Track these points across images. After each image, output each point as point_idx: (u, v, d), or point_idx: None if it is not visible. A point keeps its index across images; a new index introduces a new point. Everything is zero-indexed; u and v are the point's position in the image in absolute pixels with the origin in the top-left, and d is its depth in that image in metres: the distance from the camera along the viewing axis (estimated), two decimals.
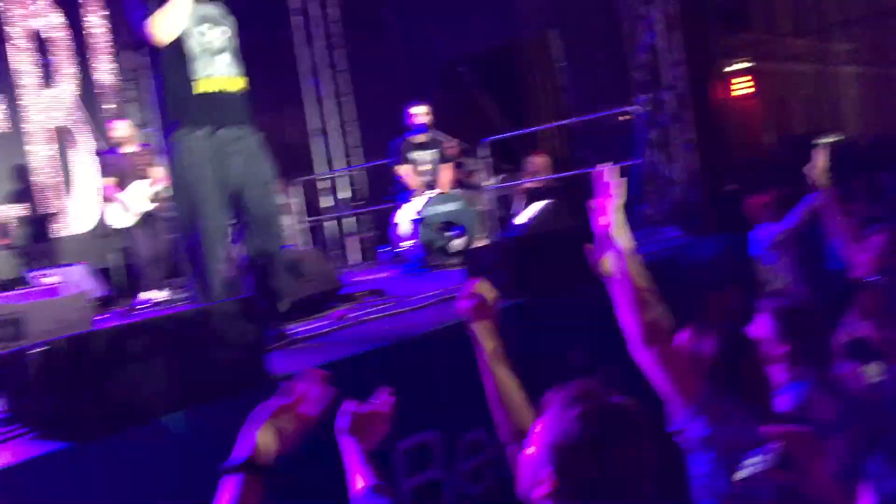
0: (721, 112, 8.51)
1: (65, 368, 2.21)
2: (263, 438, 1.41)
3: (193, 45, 3.30)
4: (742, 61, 14.11)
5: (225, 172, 3.33)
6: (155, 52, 3.28)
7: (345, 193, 9.86)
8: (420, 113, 6.95)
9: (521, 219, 6.63)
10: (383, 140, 7.41)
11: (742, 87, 13.68)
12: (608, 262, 2.00)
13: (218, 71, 3.36)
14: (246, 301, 2.74)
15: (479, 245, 5.93)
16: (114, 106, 8.52)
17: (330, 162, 9.79)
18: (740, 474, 1.57)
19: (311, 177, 9.60)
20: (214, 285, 3.26)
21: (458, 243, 6.33)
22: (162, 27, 3.19)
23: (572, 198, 7.97)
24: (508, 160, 8.34)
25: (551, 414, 1.40)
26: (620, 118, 8.04)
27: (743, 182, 6.37)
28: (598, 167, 2.01)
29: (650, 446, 1.35)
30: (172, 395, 2.37)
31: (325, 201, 9.77)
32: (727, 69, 13.30)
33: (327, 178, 9.77)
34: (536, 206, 6.76)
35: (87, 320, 3.61)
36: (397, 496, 2.73)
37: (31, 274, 6.90)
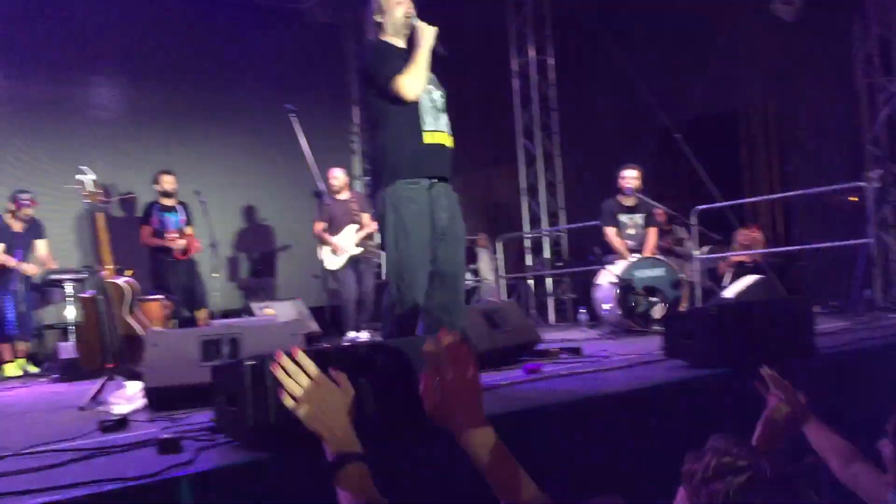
0: None
1: (272, 381, 2.35)
2: None
3: (425, 100, 3.55)
4: None
5: (433, 225, 3.50)
6: (384, 107, 3.52)
7: (547, 253, 9.91)
8: (631, 176, 6.92)
9: (730, 292, 6.34)
10: (589, 203, 7.41)
11: None
12: None
13: (441, 127, 3.60)
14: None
15: (682, 310, 5.71)
16: None
17: (536, 221, 9.89)
18: None
19: (517, 234, 9.75)
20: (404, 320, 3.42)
21: (659, 309, 6.14)
22: (413, 85, 3.46)
23: (785, 276, 7.52)
24: (719, 230, 8.03)
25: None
26: (849, 197, 7.51)
27: None
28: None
29: None
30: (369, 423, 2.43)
31: (528, 259, 9.88)
32: None
33: (531, 237, 9.87)
34: (746, 281, 6.44)
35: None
36: None
37: (253, 305, 7.50)
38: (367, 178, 7.96)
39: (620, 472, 2.93)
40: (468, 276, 9.82)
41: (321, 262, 7.39)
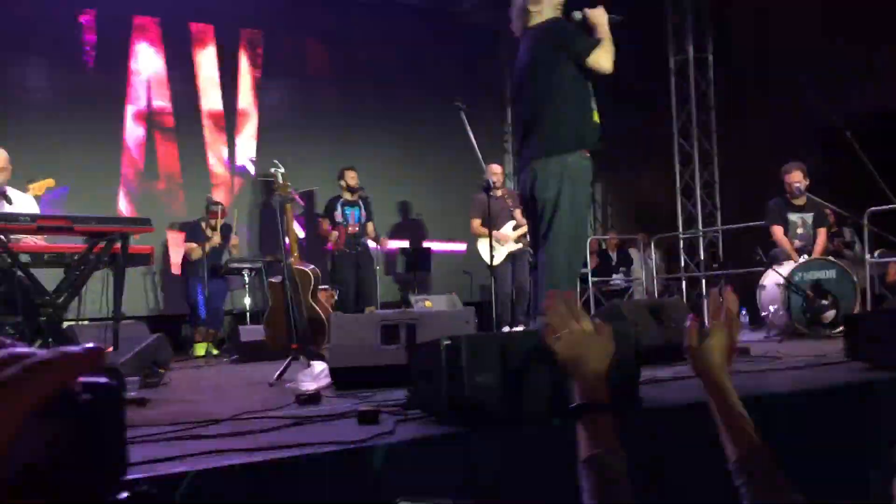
0: None
1: (467, 360, 2.49)
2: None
3: (589, 84, 3.78)
4: None
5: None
6: (569, 81, 3.74)
7: (703, 254, 9.68)
8: (799, 175, 6.68)
9: None
10: (746, 204, 7.22)
11: None
12: None
13: (596, 108, 3.85)
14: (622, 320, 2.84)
15: (862, 312, 5.47)
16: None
17: (692, 221, 9.69)
18: None
19: (672, 234, 9.59)
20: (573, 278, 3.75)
21: (830, 314, 5.90)
22: (610, 60, 3.70)
23: None
24: (893, 233, 7.58)
25: None
26: None
27: None
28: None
29: None
30: (550, 403, 2.53)
31: (682, 259, 9.70)
32: None
33: (686, 237, 9.68)
34: None
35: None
36: None
37: (412, 298, 7.77)
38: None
39: (801, 471, 2.89)
40: (620, 276, 9.74)
41: (479, 256, 7.49)
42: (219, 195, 8.12)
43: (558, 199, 3.67)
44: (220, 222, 7.45)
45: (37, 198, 4.69)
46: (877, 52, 8.26)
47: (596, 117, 3.82)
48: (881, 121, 8.88)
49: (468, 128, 4.49)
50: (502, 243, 7.37)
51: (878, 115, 8.81)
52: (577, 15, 3.78)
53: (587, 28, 3.80)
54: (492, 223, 7.42)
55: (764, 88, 9.54)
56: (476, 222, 7.50)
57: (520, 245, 7.40)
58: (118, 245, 3.46)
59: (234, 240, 7.53)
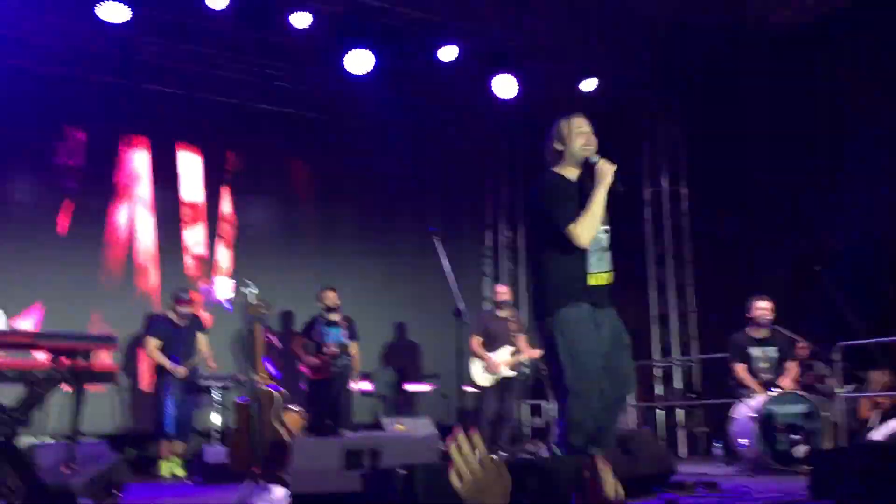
0: None
1: (422, 491, 2.47)
2: None
3: (591, 243, 3.63)
4: None
5: (599, 344, 3.61)
6: (549, 246, 3.66)
7: (678, 383, 9.66)
8: (763, 307, 6.76)
9: (877, 434, 6.00)
10: (724, 333, 7.27)
11: None
12: None
13: (604, 268, 3.71)
14: (591, 458, 2.82)
15: (830, 448, 5.44)
16: None
17: (666, 350, 9.72)
18: None
19: (647, 362, 9.59)
20: (584, 432, 3.47)
21: (802, 449, 5.87)
22: (586, 235, 3.57)
23: None
24: (864, 368, 7.64)
25: None
26: None
27: None
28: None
29: None
30: None
31: (658, 389, 9.67)
32: None
33: (662, 366, 9.69)
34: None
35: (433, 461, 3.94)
36: None
37: (384, 420, 7.66)
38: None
39: None
40: None
41: (468, 376, 7.31)
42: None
43: (554, 356, 3.65)
44: (189, 310, 7.39)
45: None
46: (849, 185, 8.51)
47: (596, 279, 3.69)
48: (857, 255, 9.09)
49: (441, 253, 4.55)
50: (490, 371, 7.27)
51: (856, 251, 9.01)
52: (595, 158, 3.68)
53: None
54: (489, 344, 7.34)
55: (739, 219, 9.77)
56: (475, 341, 7.34)
57: (514, 374, 7.32)
58: (81, 361, 3.45)
59: (206, 351, 7.42)
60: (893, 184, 8.50)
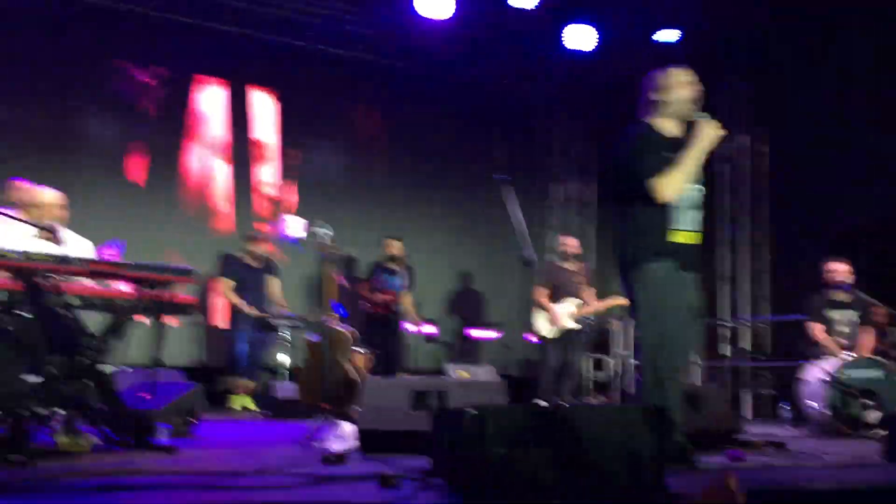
0: None
1: (491, 432, 2.49)
2: None
3: (680, 199, 3.51)
4: None
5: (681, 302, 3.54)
6: (632, 197, 3.52)
7: (746, 344, 9.50)
8: (840, 270, 6.56)
9: None
10: (796, 294, 7.09)
11: None
12: None
13: (689, 226, 3.57)
14: (652, 412, 2.80)
15: None
16: None
17: (735, 309, 9.55)
18: None
19: (714, 321, 9.45)
20: (667, 394, 3.43)
21: (875, 415, 5.73)
22: (671, 190, 3.44)
23: None
24: None
25: None
26: None
27: None
28: None
29: None
30: (566, 483, 2.50)
31: (723, 349, 9.52)
32: None
33: (729, 326, 9.53)
34: None
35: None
36: None
37: (448, 366, 7.76)
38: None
39: None
40: None
41: (534, 326, 7.25)
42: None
43: (637, 311, 3.61)
44: (263, 250, 7.55)
45: None
46: None
47: (678, 237, 3.57)
48: None
49: (509, 200, 4.45)
50: (555, 323, 7.18)
51: None
52: (701, 115, 3.52)
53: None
54: (555, 296, 7.28)
55: (820, 178, 9.46)
56: (540, 292, 7.23)
57: (578, 326, 7.24)
58: (162, 292, 3.56)
59: (278, 295, 7.58)
60: None
